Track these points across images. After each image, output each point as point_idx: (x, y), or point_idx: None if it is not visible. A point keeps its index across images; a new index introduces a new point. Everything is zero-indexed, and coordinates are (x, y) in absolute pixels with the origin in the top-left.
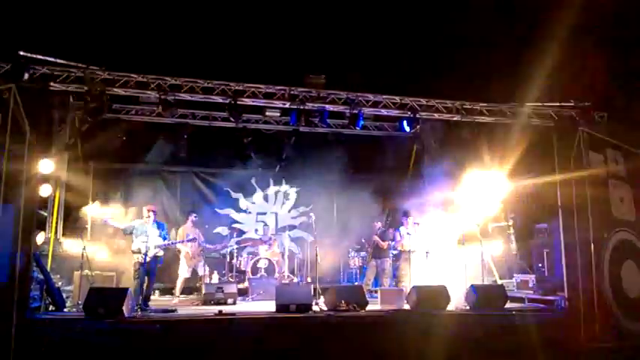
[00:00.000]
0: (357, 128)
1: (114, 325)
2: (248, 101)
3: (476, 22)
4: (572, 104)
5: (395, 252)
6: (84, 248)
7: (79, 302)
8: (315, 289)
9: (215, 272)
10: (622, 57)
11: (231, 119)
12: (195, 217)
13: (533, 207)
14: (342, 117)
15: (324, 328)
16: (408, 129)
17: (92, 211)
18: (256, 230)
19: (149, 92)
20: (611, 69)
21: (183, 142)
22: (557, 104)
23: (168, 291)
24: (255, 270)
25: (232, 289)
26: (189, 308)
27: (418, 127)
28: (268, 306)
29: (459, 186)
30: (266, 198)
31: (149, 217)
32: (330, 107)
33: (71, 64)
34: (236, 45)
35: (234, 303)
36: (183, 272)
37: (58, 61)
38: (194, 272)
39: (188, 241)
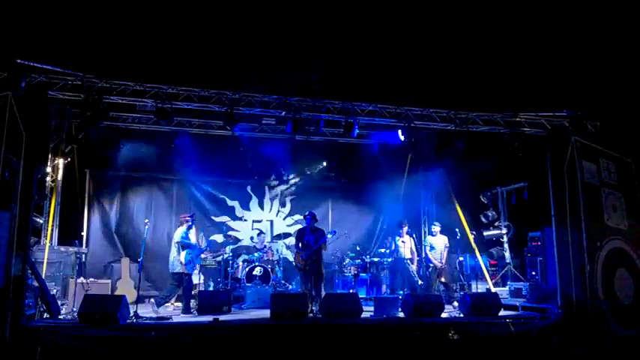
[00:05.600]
0: (353, 137)
1: (109, 333)
2: (244, 110)
3: (471, 31)
4: (564, 113)
5: (390, 260)
6: (79, 255)
7: (74, 309)
8: (309, 297)
9: (210, 280)
10: (615, 65)
11: (228, 128)
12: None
13: (527, 215)
14: (338, 125)
15: (318, 336)
16: (403, 138)
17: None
18: (252, 238)
19: (146, 100)
20: (603, 77)
21: None
22: (550, 113)
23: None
24: (250, 278)
25: (227, 296)
26: (184, 316)
27: (413, 136)
28: (263, 314)
29: (453, 194)
30: (262, 206)
31: (188, 225)
32: (325, 116)
33: (68, 73)
34: (233, 54)
35: (229, 311)
36: None
37: (56, 69)
38: None
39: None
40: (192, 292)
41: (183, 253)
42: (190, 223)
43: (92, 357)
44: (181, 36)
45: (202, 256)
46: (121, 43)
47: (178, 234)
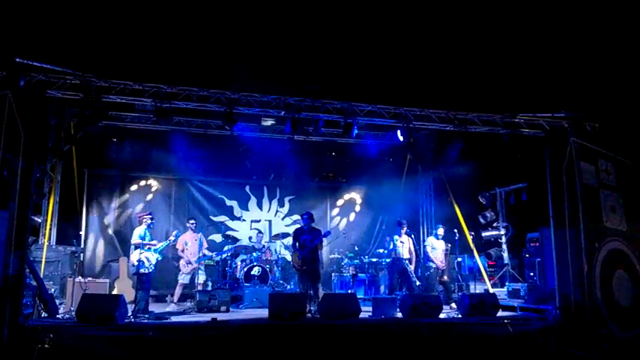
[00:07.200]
0: (352, 137)
1: (106, 332)
2: (243, 110)
3: (471, 32)
4: (563, 115)
5: (388, 260)
6: (77, 255)
7: (72, 309)
8: (308, 297)
9: (209, 279)
10: (614, 67)
11: (227, 128)
12: (192, 223)
13: (525, 216)
14: (337, 126)
15: (316, 336)
16: (402, 138)
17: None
18: (250, 238)
19: (145, 100)
20: (602, 79)
21: None
22: (549, 115)
23: (161, 298)
24: (248, 277)
25: (226, 296)
26: (182, 316)
27: (412, 137)
28: (261, 313)
29: (452, 195)
30: (260, 206)
31: (148, 224)
32: (324, 116)
33: (67, 72)
34: (232, 54)
35: (227, 310)
36: (182, 279)
37: (55, 68)
38: (192, 279)
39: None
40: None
41: (135, 253)
42: (150, 222)
43: (90, 356)
44: (181, 36)
45: (208, 253)
46: (121, 43)
47: (135, 234)
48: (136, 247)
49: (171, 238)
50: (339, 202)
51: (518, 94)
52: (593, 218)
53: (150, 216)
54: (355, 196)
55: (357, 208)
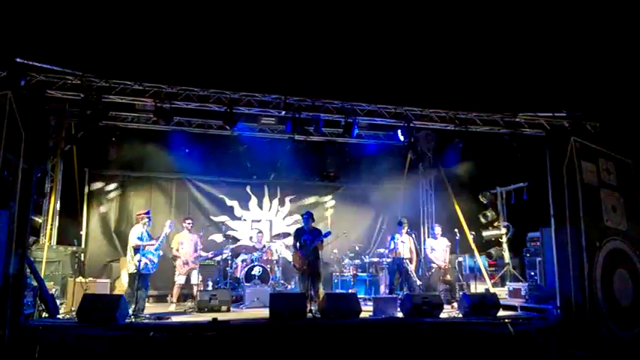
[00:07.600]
0: (352, 137)
1: (107, 332)
2: (243, 109)
3: (471, 31)
4: (564, 114)
5: (389, 260)
6: (78, 255)
7: (73, 309)
8: (308, 297)
9: (209, 280)
10: (614, 67)
11: (227, 127)
12: (189, 223)
13: (526, 216)
14: (337, 125)
15: (317, 336)
16: (402, 138)
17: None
18: (251, 238)
19: (145, 100)
20: (603, 78)
21: None
22: (550, 114)
23: (162, 298)
24: (249, 277)
25: (226, 296)
26: (183, 316)
27: (412, 136)
28: (262, 313)
29: (452, 194)
30: (261, 205)
31: (145, 223)
32: (325, 116)
33: (68, 72)
34: (232, 54)
35: (228, 310)
36: (178, 279)
37: (55, 68)
38: (187, 280)
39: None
40: (193, 291)
41: (136, 256)
42: (147, 220)
43: (91, 356)
44: (181, 35)
45: (203, 253)
46: (121, 43)
47: (133, 236)
48: (136, 250)
49: (166, 230)
50: (340, 202)
51: (518, 93)
52: (594, 217)
53: (147, 215)
54: (356, 195)
55: (358, 207)
